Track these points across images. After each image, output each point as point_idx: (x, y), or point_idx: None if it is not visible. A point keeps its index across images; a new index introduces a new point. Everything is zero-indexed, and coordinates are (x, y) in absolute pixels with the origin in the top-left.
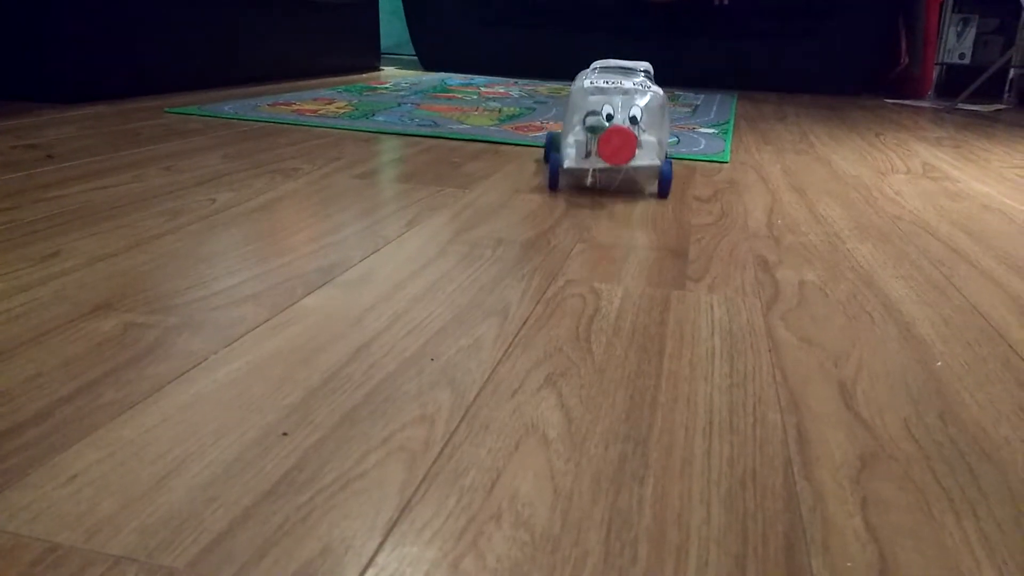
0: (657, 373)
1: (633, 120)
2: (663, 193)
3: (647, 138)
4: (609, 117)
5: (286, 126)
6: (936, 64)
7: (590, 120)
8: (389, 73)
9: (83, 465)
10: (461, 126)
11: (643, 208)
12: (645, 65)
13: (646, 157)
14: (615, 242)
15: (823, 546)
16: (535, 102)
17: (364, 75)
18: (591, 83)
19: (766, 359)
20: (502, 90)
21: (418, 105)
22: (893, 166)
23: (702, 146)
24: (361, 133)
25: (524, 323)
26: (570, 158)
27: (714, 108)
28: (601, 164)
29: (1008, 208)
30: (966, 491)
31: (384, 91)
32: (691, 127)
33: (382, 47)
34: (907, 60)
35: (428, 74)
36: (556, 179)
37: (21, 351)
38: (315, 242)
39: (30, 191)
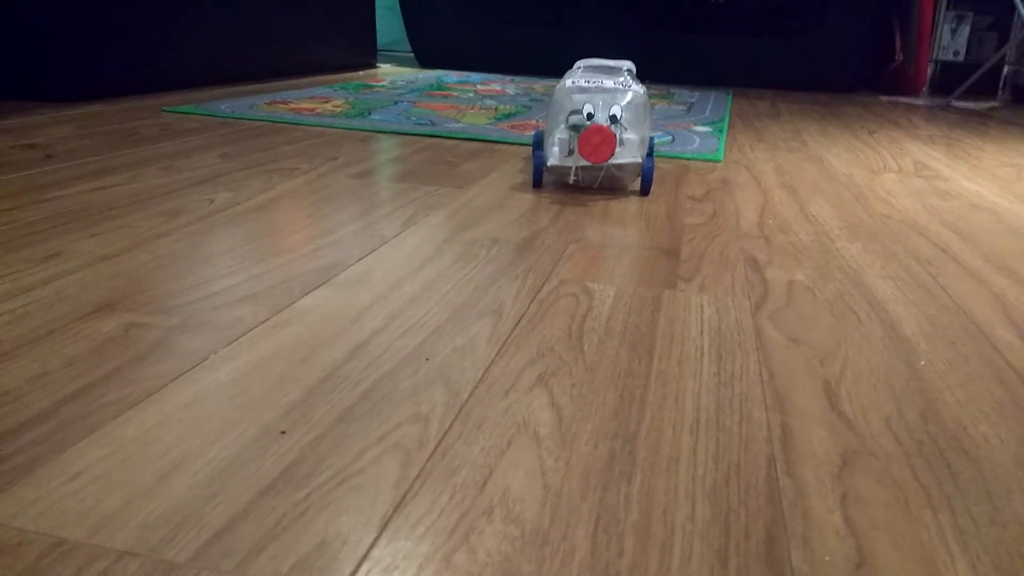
0: (647, 372)
1: (613, 119)
2: (645, 190)
3: (629, 136)
4: (590, 116)
5: (283, 125)
6: (930, 61)
7: (572, 119)
8: (385, 71)
9: (87, 463)
10: (457, 125)
11: (636, 207)
12: (628, 64)
13: (627, 155)
14: (608, 242)
15: (803, 540)
16: (531, 100)
17: (360, 73)
18: (573, 83)
19: (753, 358)
20: (498, 88)
21: (415, 103)
22: (885, 164)
23: (696, 144)
24: (358, 132)
25: (518, 323)
26: (554, 156)
27: (709, 106)
28: (583, 162)
29: (997, 207)
30: (944, 487)
31: (381, 89)
32: (686, 125)
33: (378, 44)
34: (902, 57)
35: (424, 72)
36: (540, 177)
37: (25, 351)
38: (313, 242)
39: (30, 191)
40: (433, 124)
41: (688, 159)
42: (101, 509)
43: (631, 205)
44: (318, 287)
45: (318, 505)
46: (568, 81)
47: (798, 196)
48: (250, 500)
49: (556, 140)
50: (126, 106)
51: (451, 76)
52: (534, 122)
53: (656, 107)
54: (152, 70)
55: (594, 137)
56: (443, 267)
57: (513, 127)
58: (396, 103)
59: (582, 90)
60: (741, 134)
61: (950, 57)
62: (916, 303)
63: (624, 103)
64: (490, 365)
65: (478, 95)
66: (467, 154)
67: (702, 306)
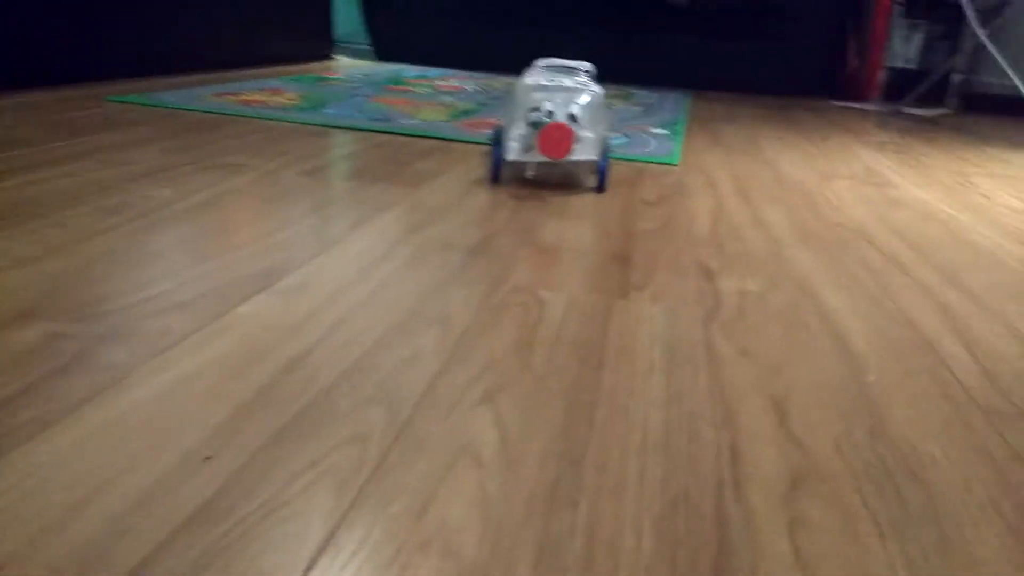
0: (595, 387)
1: (572, 117)
2: (600, 187)
3: (586, 134)
4: (549, 114)
5: (231, 117)
6: (883, 68)
7: (531, 116)
8: (343, 63)
9: None
10: (413, 121)
11: (590, 210)
12: (587, 65)
13: (584, 152)
14: (560, 246)
15: (751, 571)
16: (489, 97)
17: (316, 65)
18: (534, 80)
19: (704, 372)
20: (457, 84)
21: (370, 98)
22: (836, 171)
23: (651, 148)
24: (310, 127)
25: (465, 332)
26: (513, 151)
27: (667, 108)
28: (542, 157)
29: (946, 216)
30: (892, 512)
31: (336, 82)
32: (643, 127)
33: (336, 36)
34: (856, 64)
35: (383, 65)
36: (498, 172)
37: None
38: (256, 243)
39: None
40: (388, 120)
41: (644, 162)
42: (4, 547)
43: (584, 207)
44: (257, 293)
45: (241, 541)
46: (528, 79)
47: (751, 202)
48: (166, 537)
49: (515, 136)
50: (66, 95)
51: (410, 71)
52: (491, 120)
53: (614, 108)
54: (94, 57)
55: (553, 133)
56: (391, 272)
57: (470, 125)
58: (352, 97)
59: (541, 88)
60: (698, 137)
61: (902, 64)
62: (865, 315)
63: (582, 102)
64: (434, 380)
65: (436, 91)
66: (423, 152)
67: (653, 316)
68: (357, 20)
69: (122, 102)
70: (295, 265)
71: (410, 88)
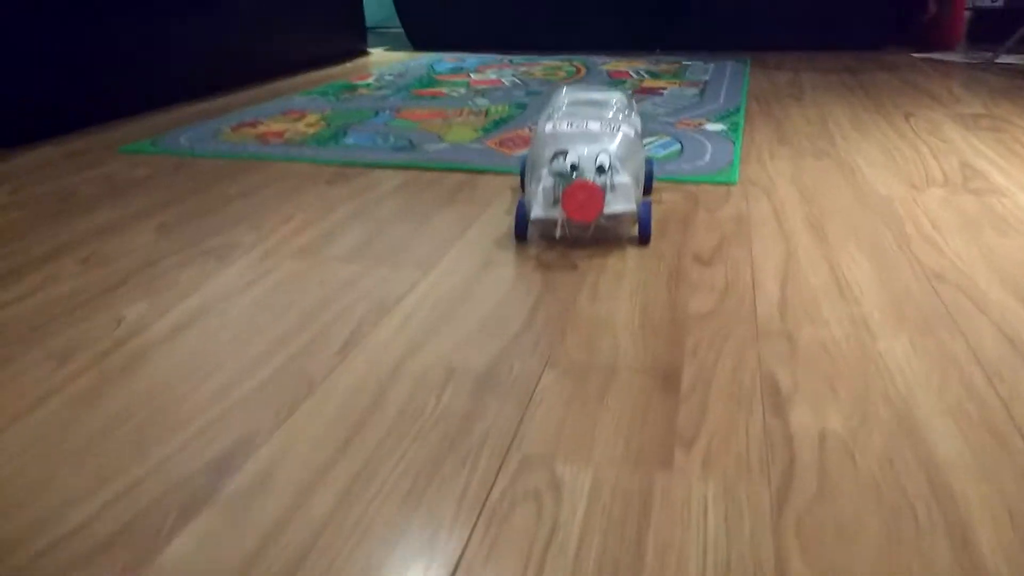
0: None
1: (600, 169)
2: (643, 238)
3: (620, 180)
4: (574, 167)
5: (244, 163)
6: (966, 9)
7: (556, 165)
8: (376, 59)
9: None
10: (439, 147)
11: (629, 281)
12: (618, 95)
13: (620, 202)
14: (591, 360)
15: None
16: (527, 93)
17: (348, 64)
18: (554, 127)
19: None
20: (493, 76)
21: (398, 111)
22: (928, 173)
23: (707, 158)
24: (325, 167)
25: (456, 567)
26: (538, 206)
27: (724, 87)
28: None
29: None
30: None
31: (364, 90)
32: (698, 122)
33: (368, 23)
34: (935, 7)
35: (416, 57)
36: (524, 228)
37: None
38: (215, 404)
39: None
40: (412, 146)
41: (697, 182)
42: None
43: (626, 274)
44: (198, 512)
45: None
46: (548, 125)
47: (828, 242)
48: None
49: (540, 189)
50: (80, 145)
51: (444, 62)
52: (526, 131)
53: (665, 93)
54: (110, 96)
55: (579, 194)
56: (371, 445)
57: (502, 143)
58: (377, 114)
59: (564, 137)
60: (760, 130)
61: (986, 3)
62: (990, 476)
63: (613, 148)
64: None
65: (470, 90)
66: (446, 194)
67: (706, 507)
68: (389, 5)
69: (135, 152)
70: (256, 442)
71: (443, 90)
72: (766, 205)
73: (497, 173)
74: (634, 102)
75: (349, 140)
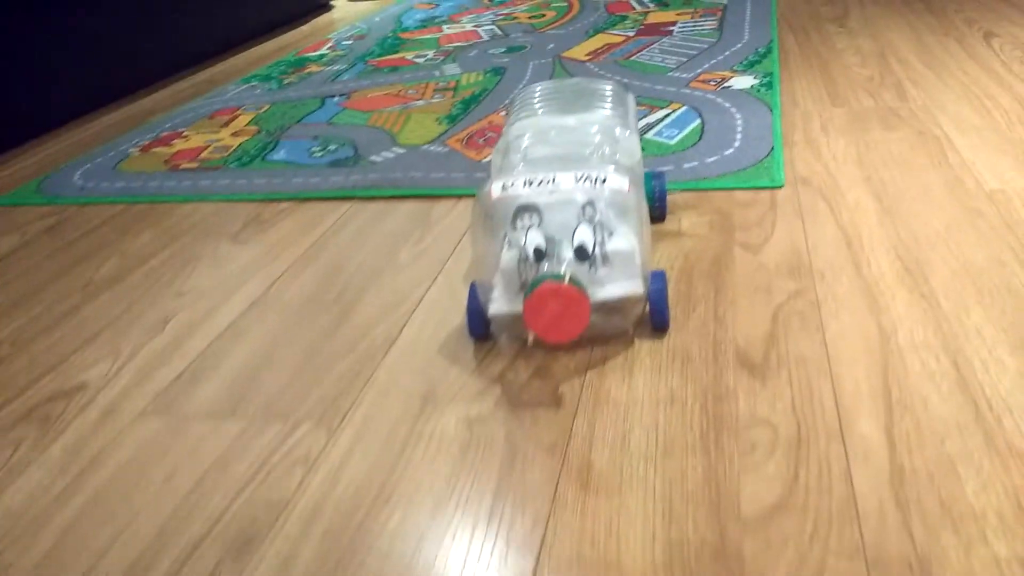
0: None
1: (581, 253)
2: (658, 324)
3: (616, 246)
4: (539, 255)
5: (137, 210)
6: None
7: (518, 234)
8: (339, 15)
9: None
10: (388, 154)
11: (641, 427)
12: (610, 88)
13: (620, 279)
14: None
15: None
16: (507, 50)
17: (306, 26)
18: (512, 184)
19: None
20: (469, 26)
21: (348, 99)
22: None
23: (737, 141)
24: (240, 207)
25: None
26: (498, 298)
27: (747, 13)
28: None
29: None
30: None
31: (315, 66)
32: (720, 76)
33: None
34: None
35: (385, 7)
36: (479, 325)
37: None
38: None
39: None
40: (355, 157)
41: (728, 188)
42: None
43: (634, 407)
44: None
45: None
46: (498, 185)
47: (940, 308)
48: None
49: (499, 272)
50: None
51: (415, 10)
52: (499, 117)
53: (675, 30)
54: (32, 111)
55: (548, 304)
56: None
57: (469, 139)
58: (323, 103)
59: (523, 208)
60: (801, 80)
61: None
62: None
63: (603, 203)
64: None
65: (439, 52)
66: (387, 243)
67: None
68: None
69: (13, 204)
70: None
71: (407, 56)
72: (831, 229)
73: (459, 197)
74: (631, 97)
75: (278, 154)
